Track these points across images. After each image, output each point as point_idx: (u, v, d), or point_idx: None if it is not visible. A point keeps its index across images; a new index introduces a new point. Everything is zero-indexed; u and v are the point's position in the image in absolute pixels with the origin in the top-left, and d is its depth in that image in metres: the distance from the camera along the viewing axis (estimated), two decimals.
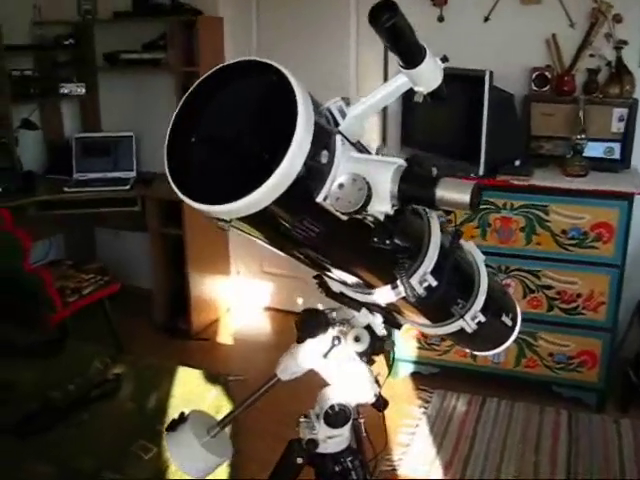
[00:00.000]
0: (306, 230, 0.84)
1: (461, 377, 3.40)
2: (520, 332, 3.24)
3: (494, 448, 2.90)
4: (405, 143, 3.55)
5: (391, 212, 0.79)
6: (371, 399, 1.36)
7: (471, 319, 1.36)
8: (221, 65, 0.83)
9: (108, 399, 2.37)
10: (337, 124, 0.83)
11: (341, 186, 0.76)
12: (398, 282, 1.11)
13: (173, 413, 2.28)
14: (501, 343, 1.65)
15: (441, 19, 3.50)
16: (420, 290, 1.10)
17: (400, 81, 0.89)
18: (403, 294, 1.12)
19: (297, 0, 3.89)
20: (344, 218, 0.81)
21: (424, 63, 0.87)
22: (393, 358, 1.37)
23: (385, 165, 0.80)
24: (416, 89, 0.90)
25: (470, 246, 1.41)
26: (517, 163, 3.07)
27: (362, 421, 1.45)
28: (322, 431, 1.36)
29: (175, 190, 0.79)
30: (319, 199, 0.78)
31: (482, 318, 1.36)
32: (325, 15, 3.85)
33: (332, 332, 1.29)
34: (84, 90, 4.29)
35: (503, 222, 3.09)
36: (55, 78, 4.20)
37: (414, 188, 0.78)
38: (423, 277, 1.10)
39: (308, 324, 1.17)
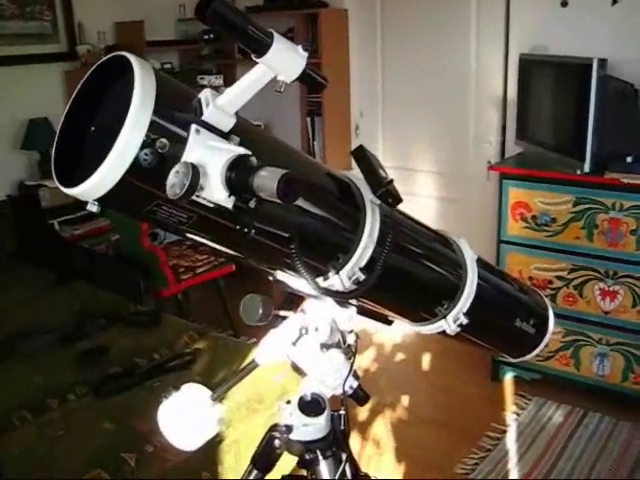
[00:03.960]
0: (172, 215, 0.88)
1: (563, 386, 3.20)
2: (628, 345, 3.01)
3: (581, 467, 2.70)
4: (519, 137, 3.38)
5: (228, 200, 0.81)
6: (339, 392, 1.35)
7: (453, 320, 1.31)
8: (100, 61, 0.89)
9: (182, 370, 2.55)
10: (202, 114, 0.86)
11: (177, 173, 0.79)
12: (330, 274, 1.11)
13: (234, 391, 2.42)
14: (524, 350, 1.56)
15: (564, 4, 3.27)
16: (347, 283, 1.10)
17: (260, 70, 0.89)
18: (337, 287, 1.12)
19: None
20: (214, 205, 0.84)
21: (272, 51, 0.86)
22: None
23: (224, 154, 0.81)
24: (278, 78, 0.90)
25: (461, 243, 1.35)
26: (629, 160, 2.80)
27: (342, 413, 1.44)
28: (297, 418, 1.38)
29: (53, 174, 0.87)
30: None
31: (464, 320, 1.31)
32: (446, 7, 3.77)
33: (300, 321, 1.30)
34: (222, 81, 4.55)
35: (612, 224, 2.85)
36: (195, 71, 4.51)
37: (236, 176, 0.79)
38: (352, 271, 1.09)
39: (245, 311, 1.19)
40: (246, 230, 0.85)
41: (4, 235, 3.69)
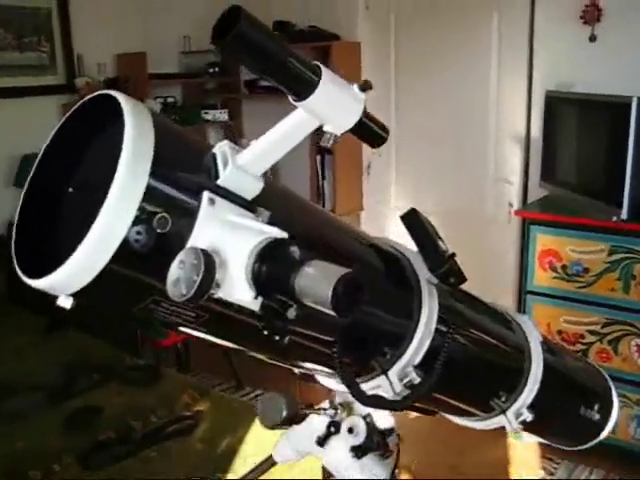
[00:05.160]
0: (174, 313, 0.65)
1: (595, 449, 2.92)
2: None
3: None
4: (545, 179, 3.17)
5: (255, 302, 0.58)
6: None
7: (514, 417, 1.08)
8: (82, 101, 0.67)
9: (182, 436, 2.30)
10: (217, 176, 0.63)
11: (182, 264, 0.56)
12: (375, 373, 0.89)
13: (240, 462, 2.17)
14: (586, 439, 1.34)
15: (593, 39, 3.08)
16: (398, 387, 0.86)
17: (299, 117, 0.66)
18: (383, 389, 0.89)
19: (436, 24, 3.66)
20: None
21: (318, 92, 0.63)
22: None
23: (251, 237, 0.58)
24: (325, 129, 0.67)
25: (524, 323, 1.12)
26: None
27: None
28: None
29: (13, 255, 0.65)
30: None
31: (528, 416, 1.08)
32: (465, 39, 3.59)
33: (330, 416, 1.07)
34: (227, 117, 4.37)
35: None
36: (199, 105, 4.33)
37: (269, 272, 0.56)
38: (404, 371, 0.86)
39: (264, 412, 0.96)
40: (277, 338, 0.62)
41: None
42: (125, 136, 0.58)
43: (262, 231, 0.59)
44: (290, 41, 3.95)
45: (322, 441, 1.06)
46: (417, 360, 0.86)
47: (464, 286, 1.00)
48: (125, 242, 0.57)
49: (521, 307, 3.02)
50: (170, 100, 4.10)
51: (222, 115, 4.34)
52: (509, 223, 3.51)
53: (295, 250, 0.56)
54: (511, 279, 3.26)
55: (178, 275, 0.56)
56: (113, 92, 0.63)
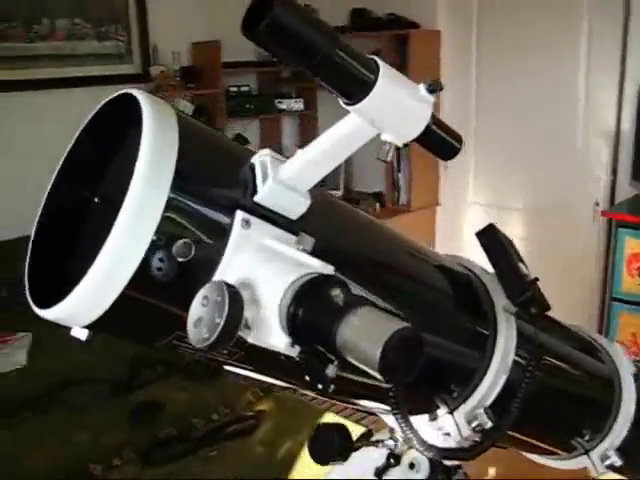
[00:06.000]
0: (196, 350, 0.56)
1: None
2: None
3: None
4: (635, 178, 2.94)
5: (291, 349, 0.48)
6: None
7: (599, 459, 0.95)
8: (104, 102, 0.58)
9: (243, 437, 2.24)
10: (255, 192, 0.53)
11: (205, 301, 0.47)
12: (439, 412, 0.78)
13: (300, 470, 2.09)
14: None
15: None
16: (466, 431, 0.75)
17: (349, 125, 0.55)
18: (447, 429, 0.78)
19: (521, 12, 3.45)
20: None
21: (374, 94, 0.52)
22: None
23: (290, 270, 0.48)
24: (383, 137, 0.56)
25: (613, 351, 0.98)
26: None
27: None
28: None
29: (25, 279, 0.57)
30: None
31: (617, 460, 0.94)
32: (552, 28, 3.36)
33: (389, 446, 0.97)
34: (302, 106, 4.30)
35: None
36: (273, 94, 4.27)
37: (307, 317, 0.46)
38: (473, 413, 0.74)
39: (315, 447, 0.86)
40: (321, 387, 0.52)
41: None
42: (142, 141, 0.49)
43: (302, 264, 0.49)
44: (367, 29, 3.84)
45: (380, 473, 0.96)
46: (489, 401, 0.74)
47: None
48: (139, 271, 0.48)
49: (605, 315, 2.82)
50: (244, 89, 4.05)
51: (297, 104, 4.27)
52: (594, 224, 3.28)
53: (338, 294, 0.46)
54: (594, 284, 3.05)
55: (200, 314, 0.47)
56: (134, 90, 0.54)
